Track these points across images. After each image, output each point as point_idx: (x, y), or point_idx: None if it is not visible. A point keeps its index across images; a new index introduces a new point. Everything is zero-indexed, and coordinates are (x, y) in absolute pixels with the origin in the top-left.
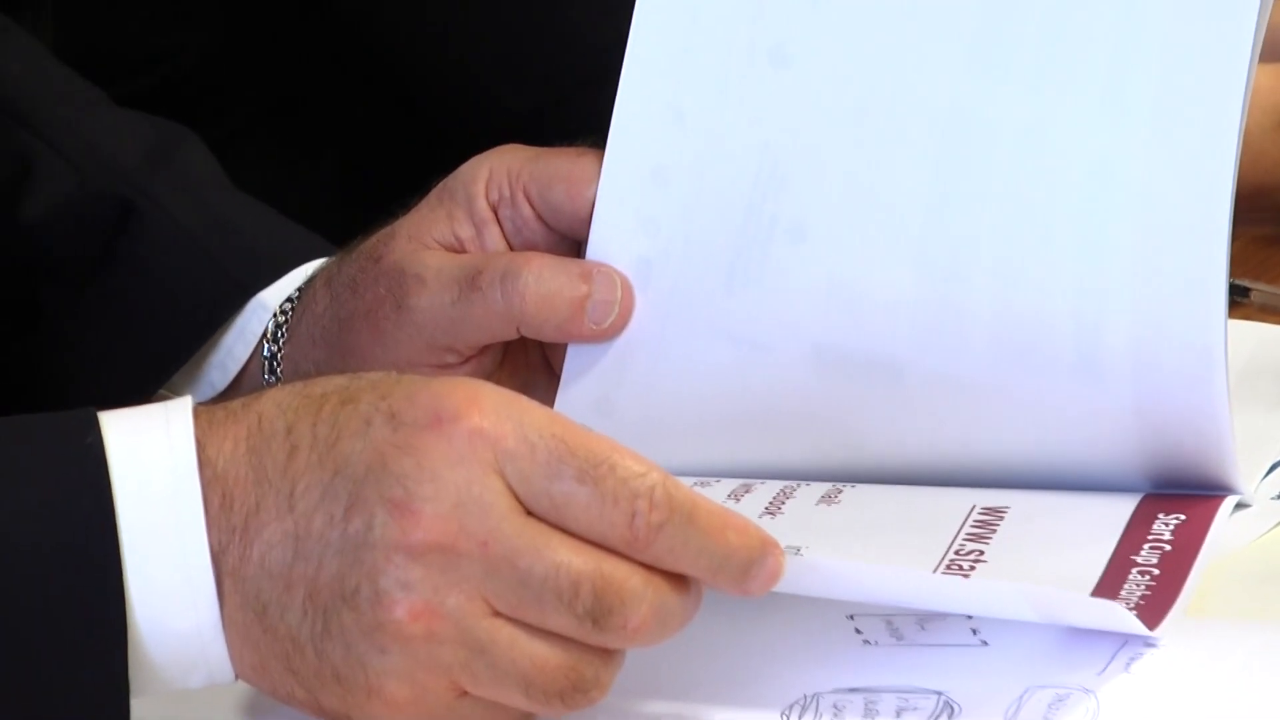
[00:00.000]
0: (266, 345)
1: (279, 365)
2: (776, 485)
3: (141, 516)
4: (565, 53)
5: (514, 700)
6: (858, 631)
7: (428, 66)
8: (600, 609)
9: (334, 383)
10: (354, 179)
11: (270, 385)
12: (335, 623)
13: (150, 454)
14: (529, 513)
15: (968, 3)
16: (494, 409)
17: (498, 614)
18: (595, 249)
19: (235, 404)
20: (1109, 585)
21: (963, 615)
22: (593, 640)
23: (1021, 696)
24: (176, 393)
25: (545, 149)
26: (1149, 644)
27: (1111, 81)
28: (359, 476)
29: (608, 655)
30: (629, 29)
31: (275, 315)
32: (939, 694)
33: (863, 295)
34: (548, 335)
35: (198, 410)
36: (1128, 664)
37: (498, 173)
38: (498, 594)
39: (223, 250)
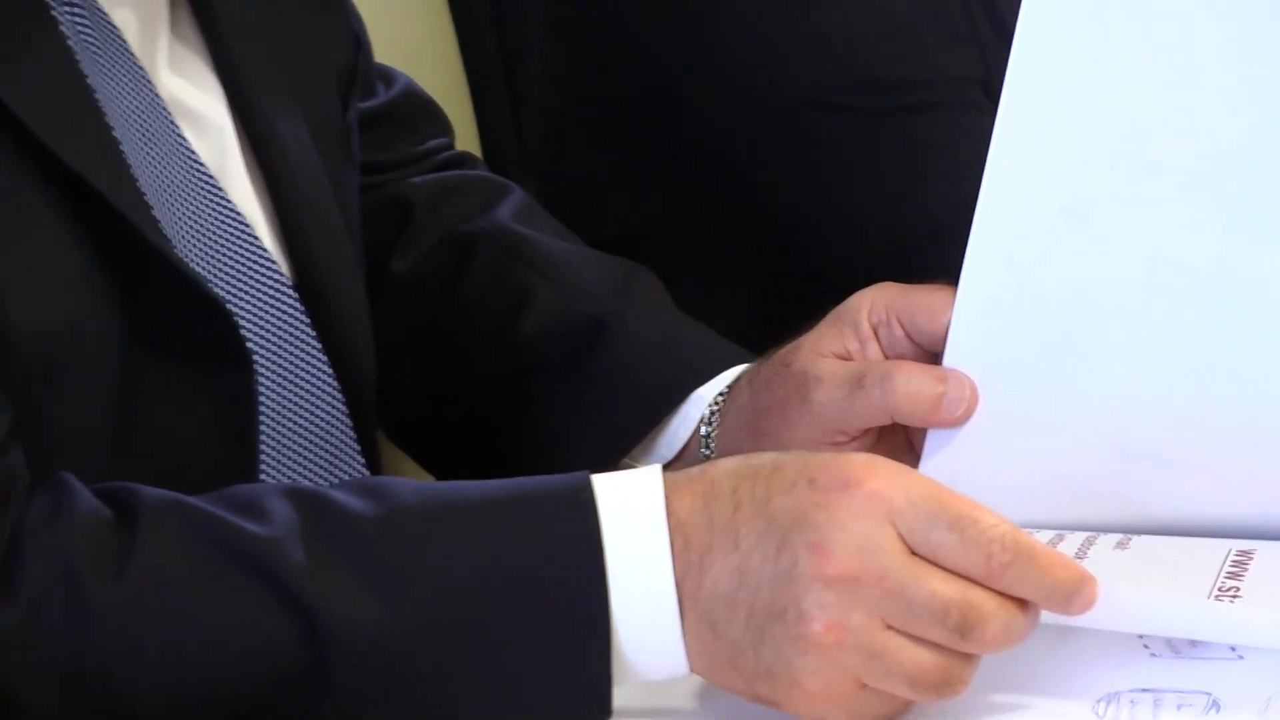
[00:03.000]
0: (702, 428)
1: (711, 444)
2: (1081, 535)
3: (623, 553)
4: (920, 215)
5: (901, 691)
6: (1145, 647)
7: (813, 227)
8: (965, 625)
9: (767, 456)
10: (758, 307)
11: (705, 458)
12: (768, 634)
13: (630, 506)
14: (912, 553)
15: (1229, 175)
16: (887, 476)
17: (889, 628)
18: (950, 359)
19: (694, 470)
20: None
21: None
22: (959, 648)
23: (1269, 697)
24: (635, 463)
25: (911, 285)
26: None
27: None
28: (787, 526)
29: (969, 659)
30: (968, 197)
31: (709, 406)
32: (1208, 694)
33: (1145, 401)
34: (914, 422)
35: (664, 475)
36: None
37: (876, 303)
38: (890, 613)
39: (669, 357)
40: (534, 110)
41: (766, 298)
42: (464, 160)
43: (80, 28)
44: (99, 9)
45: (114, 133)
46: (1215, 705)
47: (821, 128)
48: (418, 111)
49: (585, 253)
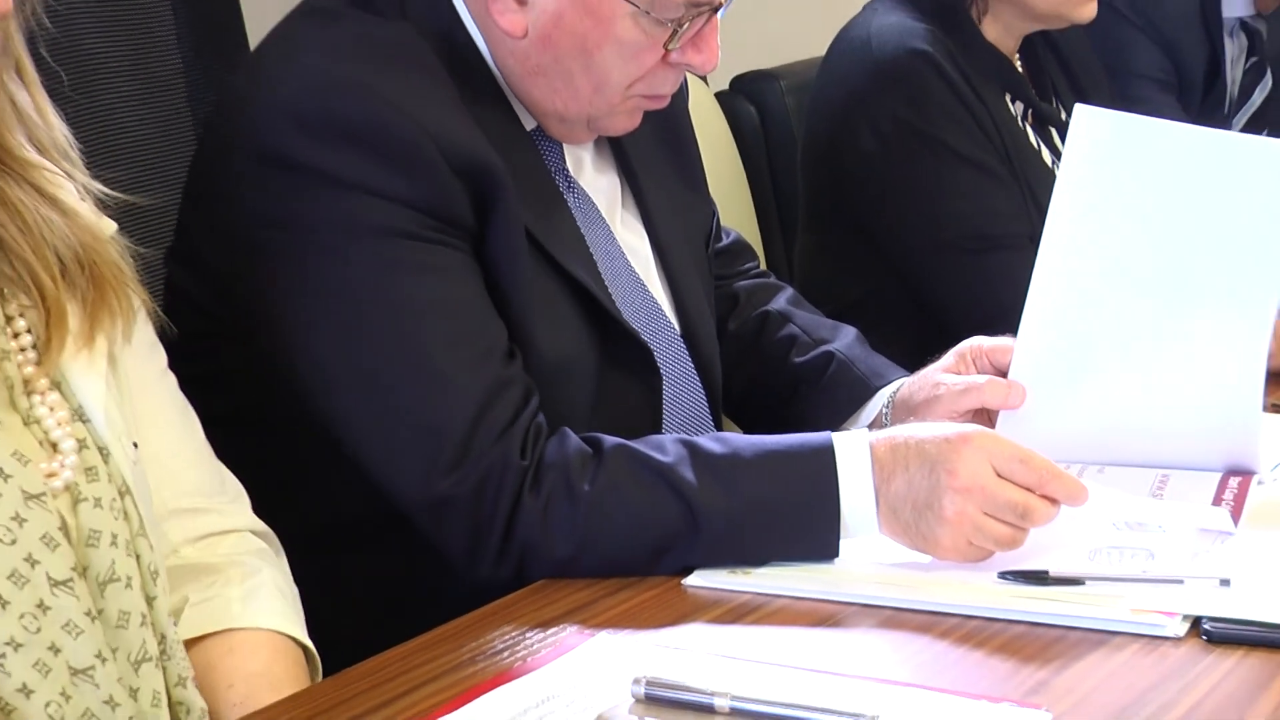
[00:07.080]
0: (883, 411)
1: (887, 419)
2: (1079, 465)
3: (848, 475)
4: (997, 304)
5: (990, 546)
6: (1113, 525)
7: (944, 309)
8: (1025, 513)
9: (921, 425)
10: (912, 347)
11: (885, 425)
12: (923, 516)
13: (852, 450)
14: (1000, 476)
15: (1160, 283)
16: (985, 436)
17: (987, 514)
18: (1013, 376)
19: (884, 431)
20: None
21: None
22: (1021, 525)
23: (1183, 553)
24: (848, 428)
25: (992, 338)
26: (1226, 535)
27: (1220, 314)
28: (933, 460)
29: (1025, 531)
30: (1022, 297)
31: (887, 398)
32: (1148, 550)
33: (1115, 399)
34: (993, 407)
35: (869, 433)
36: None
37: (974, 347)
38: (988, 508)
39: (865, 373)
40: (795, 242)
41: (916, 343)
42: (765, 274)
43: (577, 202)
44: (586, 193)
45: (595, 260)
46: (1151, 555)
47: (952, 259)
48: (741, 249)
49: (823, 320)
